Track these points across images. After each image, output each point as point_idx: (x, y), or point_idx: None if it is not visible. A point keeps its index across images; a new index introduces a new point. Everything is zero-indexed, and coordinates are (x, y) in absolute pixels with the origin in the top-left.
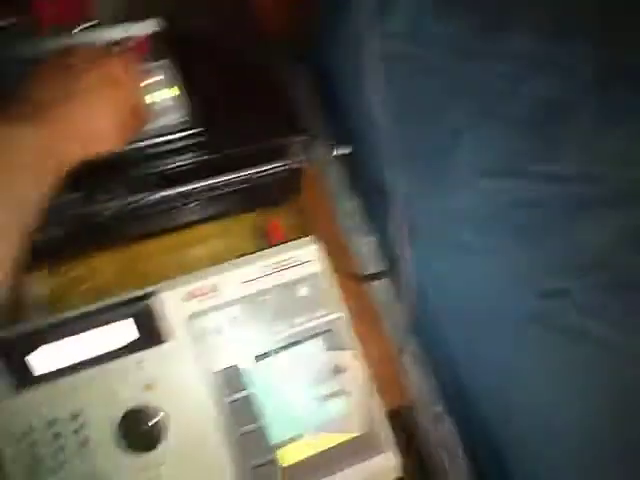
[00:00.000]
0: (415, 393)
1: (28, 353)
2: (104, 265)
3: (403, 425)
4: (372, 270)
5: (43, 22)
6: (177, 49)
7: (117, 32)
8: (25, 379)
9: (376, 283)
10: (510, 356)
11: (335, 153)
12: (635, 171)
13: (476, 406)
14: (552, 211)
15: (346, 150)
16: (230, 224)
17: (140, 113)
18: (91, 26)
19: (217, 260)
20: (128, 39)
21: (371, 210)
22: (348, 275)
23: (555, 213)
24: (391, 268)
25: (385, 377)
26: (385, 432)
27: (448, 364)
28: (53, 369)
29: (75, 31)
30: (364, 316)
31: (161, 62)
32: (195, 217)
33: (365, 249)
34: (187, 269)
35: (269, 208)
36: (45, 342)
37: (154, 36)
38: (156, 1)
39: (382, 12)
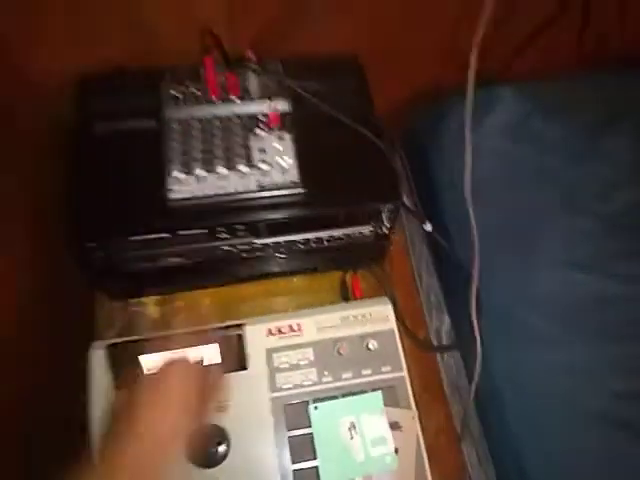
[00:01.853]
0: (470, 471)
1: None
2: (202, 299)
3: None
4: (443, 343)
5: (212, 92)
6: (299, 124)
7: (257, 107)
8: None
9: (445, 356)
10: (575, 451)
11: (424, 228)
12: None
13: None
14: (635, 313)
15: (429, 227)
16: (318, 279)
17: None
18: (240, 98)
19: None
20: (264, 112)
21: (450, 286)
22: (419, 343)
23: (637, 315)
24: (462, 344)
25: (440, 449)
26: None
27: (509, 450)
28: None
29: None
30: (429, 386)
31: (284, 133)
32: (288, 268)
33: (438, 322)
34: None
35: (355, 268)
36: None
37: (283, 113)
38: (288, 89)
39: (487, 108)
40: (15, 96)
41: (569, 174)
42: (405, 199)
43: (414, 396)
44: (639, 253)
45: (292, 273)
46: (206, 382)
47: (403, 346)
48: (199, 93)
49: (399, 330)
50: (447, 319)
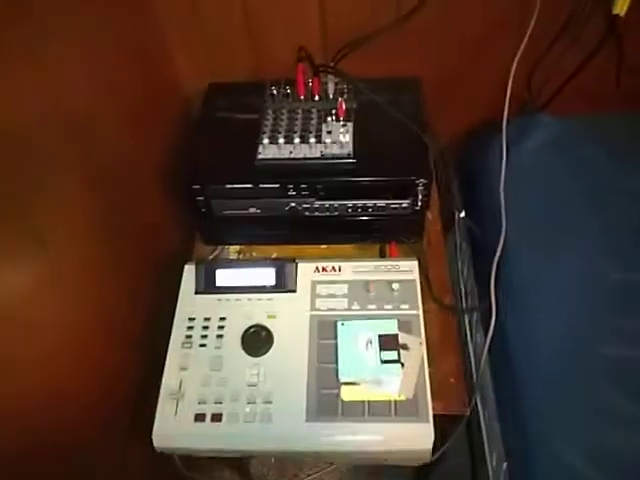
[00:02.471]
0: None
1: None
2: (272, 252)
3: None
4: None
5: (300, 92)
6: (361, 118)
7: (331, 104)
8: (210, 285)
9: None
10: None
11: (460, 215)
12: None
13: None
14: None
15: (462, 214)
16: (366, 249)
17: None
18: (320, 96)
19: None
20: (335, 107)
21: (479, 265)
22: (444, 305)
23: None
24: (482, 309)
25: (447, 387)
26: (427, 406)
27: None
28: (225, 285)
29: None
30: (445, 338)
31: (348, 122)
32: (340, 236)
33: (466, 292)
34: None
35: (395, 239)
36: (223, 267)
37: (349, 109)
38: (356, 92)
39: (528, 131)
40: (164, 98)
41: (592, 184)
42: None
43: (426, 334)
44: None
45: (343, 241)
46: None
47: (423, 297)
48: (290, 92)
49: (421, 285)
50: (475, 292)
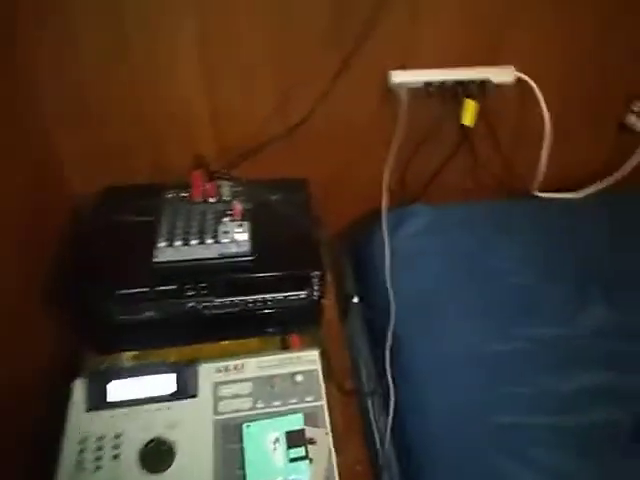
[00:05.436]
0: None
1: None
2: (170, 356)
3: None
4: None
5: (196, 195)
6: (255, 217)
7: (226, 205)
8: (102, 401)
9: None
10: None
11: (353, 301)
12: None
13: None
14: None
15: (356, 299)
16: (267, 341)
17: None
18: (216, 200)
19: None
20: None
21: (374, 345)
22: (345, 391)
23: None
24: (382, 391)
25: (356, 477)
26: None
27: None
28: (119, 399)
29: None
30: (351, 426)
31: (243, 222)
32: (241, 331)
33: (364, 376)
34: None
35: (295, 330)
36: (115, 379)
37: (245, 209)
38: (250, 193)
39: (404, 220)
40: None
41: (467, 264)
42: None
43: (331, 423)
44: (524, 322)
45: (243, 336)
46: None
47: (328, 388)
48: (187, 196)
49: (323, 373)
50: (373, 374)
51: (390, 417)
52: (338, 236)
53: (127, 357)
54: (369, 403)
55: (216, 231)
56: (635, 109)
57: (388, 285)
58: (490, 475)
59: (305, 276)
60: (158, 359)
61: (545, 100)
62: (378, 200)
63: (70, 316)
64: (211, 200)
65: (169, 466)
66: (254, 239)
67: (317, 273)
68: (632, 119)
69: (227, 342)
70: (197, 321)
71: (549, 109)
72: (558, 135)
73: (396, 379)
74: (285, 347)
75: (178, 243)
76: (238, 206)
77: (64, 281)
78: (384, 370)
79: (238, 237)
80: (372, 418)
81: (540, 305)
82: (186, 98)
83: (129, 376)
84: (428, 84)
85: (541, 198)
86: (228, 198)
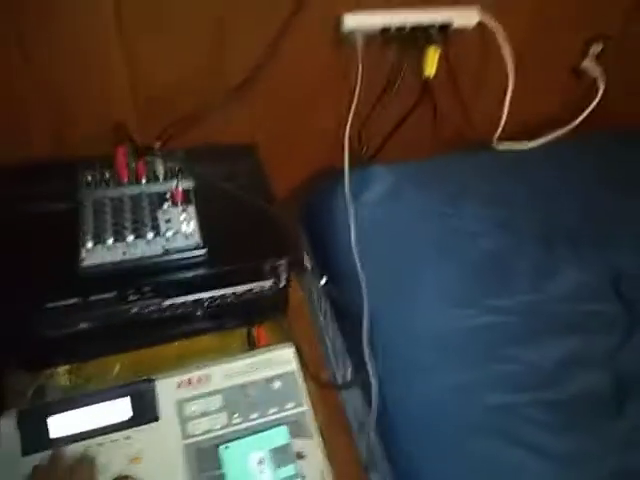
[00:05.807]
0: None
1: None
2: (113, 365)
3: None
4: (344, 380)
5: (122, 176)
6: (201, 199)
7: (163, 187)
8: (43, 440)
9: (350, 396)
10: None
11: (320, 282)
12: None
13: None
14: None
15: (322, 280)
16: (227, 336)
17: None
18: (148, 180)
19: None
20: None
21: (347, 332)
22: (323, 383)
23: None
24: (362, 382)
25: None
26: None
27: (408, 471)
28: (64, 435)
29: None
30: (333, 422)
31: (188, 206)
32: (197, 328)
33: (343, 368)
34: None
35: (260, 321)
36: (57, 412)
37: (186, 190)
38: (190, 169)
39: (365, 183)
40: None
41: (435, 230)
42: (305, 262)
43: (319, 428)
44: (497, 291)
45: (202, 332)
46: None
47: (307, 386)
48: (111, 177)
49: (302, 371)
50: (350, 363)
51: (374, 407)
52: (286, 204)
53: (61, 372)
54: (349, 398)
55: (156, 221)
56: (590, 54)
57: (357, 261)
58: (483, 458)
59: (271, 265)
60: (98, 371)
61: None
62: (330, 160)
63: None
64: (143, 182)
65: None
66: (203, 227)
67: (284, 261)
68: (587, 64)
69: (179, 343)
70: (143, 325)
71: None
72: (518, 83)
73: (374, 368)
74: (250, 343)
75: (109, 241)
76: (180, 187)
77: None
78: (362, 362)
79: (184, 227)
80: (356, 413)
81: (512, 271)
82: (98, 44)
83: (74, 406)
84: (386, 29)
85: (500, 149)
86: (163, 178)
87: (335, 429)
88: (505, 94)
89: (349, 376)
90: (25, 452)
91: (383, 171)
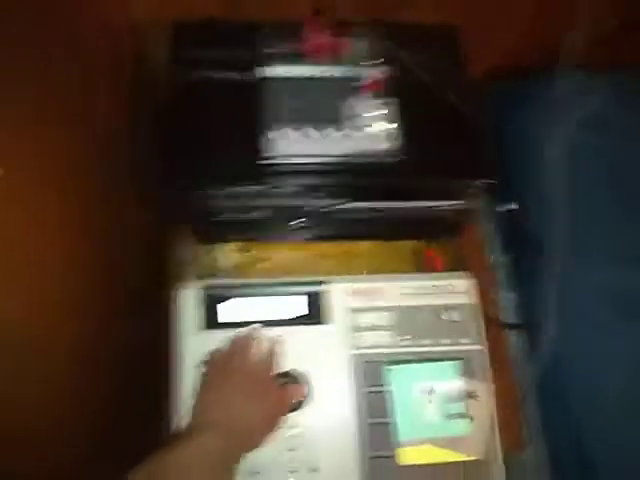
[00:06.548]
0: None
1: (220, 302)
2: (279, 252)
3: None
4: (512, 320)
5: (306, 53)
6: (402, 91)
7: (360, 71)
8: (211, 322)
9: (513, 333)
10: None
11: (503, 208)
12: None
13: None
14: None
15: (514, 206)
16: (392, 246)
17: (281, 403)
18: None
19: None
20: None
21: (521, 265)
22: (489, 319)
23: None
24: (530, 324)
25: (501, 420)
26: (499, 465)
27: (568, 430)
28: (233, 320)
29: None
30: (494, 359)
31: (389, 99)
32: (368, 233)
33: (509, 300)
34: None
35: (432, 239)
36: (234, 297)
37: (386, 79)
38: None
39: (574, 97)
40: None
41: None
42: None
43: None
44: None
45: (370, 238)
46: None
47: (480, 319)
48: (298, 53)
49: (478, 304)
50: (514, 296)
51: (542, 359)
52: None
53: (232, 249)
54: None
55: (347, 113)
56: None
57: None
58: None
59: (472, 185)
60: (265, 254)
61: None
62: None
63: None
64: (334, 63)
65: (303, 406)
66: (404, 129)
67: (488, 182)
68: None
69: (346, 244)
70: (319, 223)
71: None
72: None
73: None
74: (417, 257)
75: (295, 135)
76: (379, 75)
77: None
78: (536, 301)
79: (377, 126)
80: (517, 352)
81: None
82: None
83: (252, 295)
84: None
85: None
86: (358, 61)
87: (494, 365)
88: None
89: (511, 311)
90: (206, 327)
91: (595, 83)
